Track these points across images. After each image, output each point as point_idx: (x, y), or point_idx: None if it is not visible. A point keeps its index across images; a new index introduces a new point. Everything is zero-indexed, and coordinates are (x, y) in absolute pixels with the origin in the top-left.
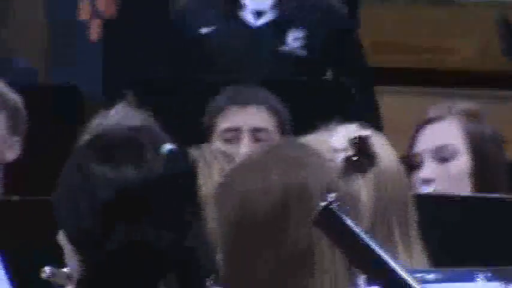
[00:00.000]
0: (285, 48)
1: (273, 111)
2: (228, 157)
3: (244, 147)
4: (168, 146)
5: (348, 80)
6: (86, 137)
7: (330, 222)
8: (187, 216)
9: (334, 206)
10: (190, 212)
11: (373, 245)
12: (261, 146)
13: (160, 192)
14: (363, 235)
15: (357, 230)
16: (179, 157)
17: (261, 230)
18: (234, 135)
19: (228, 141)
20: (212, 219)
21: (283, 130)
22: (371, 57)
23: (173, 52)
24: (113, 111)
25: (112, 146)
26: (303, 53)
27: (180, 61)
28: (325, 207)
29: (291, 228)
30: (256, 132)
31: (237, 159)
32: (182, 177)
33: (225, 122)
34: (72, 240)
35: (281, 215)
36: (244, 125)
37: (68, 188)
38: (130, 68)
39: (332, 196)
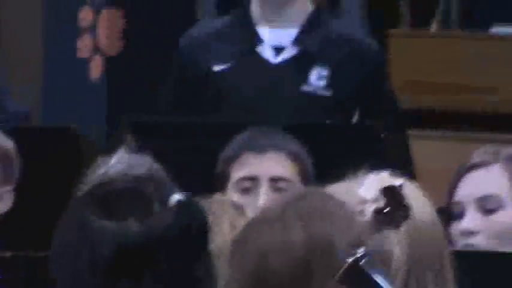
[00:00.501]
0: (308, 87)
1: (294, 157)
2: (239, 209)
3: (263, 198)
4: (176, 197)
5: (378, 124)
6: (84, 187)
7: (358, 280)
8: (198, 275)
9: (363, 262)
10: (201, 270)
11: None
12: (281, 197)
13: (168, 247)
14: None
15: None
16: (189, 209)
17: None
18: (250, 184)
19: (244, 191)
20: (225, 280)
21: (305, 179)
22: (402, 97)
23: (181, 91)
24: (114, 158)
25: (114, 198)
26: (328, 93)
27: (188, 101)
28: (353, 264)
29: (314, 285)
30: (275, 182)
31: (253, 212)
32: (192, 231)
33: (241, 170)
34: None
35: (303, 275)
36: (262, 173)
37: (65, 243)
38: (134, 108)
39: (361, 251)
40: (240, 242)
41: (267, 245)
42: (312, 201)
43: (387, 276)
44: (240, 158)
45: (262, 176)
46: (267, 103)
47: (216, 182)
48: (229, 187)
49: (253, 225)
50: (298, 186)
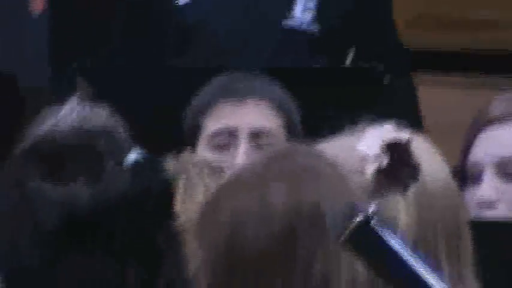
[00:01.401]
0: (291, 22)
1: (279, 107)
2: (217, 171)
3: (242, 156)
4: (134, 155)
5: (378, 66)
6: (25, 143)
7: (367, 242)
8: (160, 248)
9: (373, 221)
10: (164, 242)
11: (426, 272)
12: (260, 154)
13: (124, 216)
14: (412, 259)
15: (405, 252)
16: (149, 169)
17: (258, 264)
18: (227, 140)
19: (219, 148)
20: (194, 251)
21: (292, 133)
22: (407, 36)
23: (140, 30)
24: (65, 108)
25: (58, 156)
26: (315, 28)
27: (149, 42)
28: (362, 224)
29: (297, 261)
30: (256, 136)
31: (228, 173)
32: (153, 197)
33: (215, 122)
34: (8, 283)
35: (285, 247)
36: (241, 126)
37: (0, 210)
38: (84, 50)
39: (372, 208)
40: (210, 210)
41: (243, 212)
42: (297, 160)
43: (399, 238)
44: (213, 107)
45: (241, 129)
46: (243, 42)
47: (185, 137)
48: (200, 143)
49: (226, 189)
50: (282, 142)
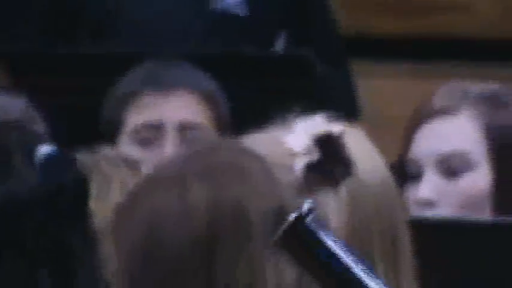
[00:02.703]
0: (218, 4)
1: (208, 98)
2: (135, 167)
3: (168, 151)
4: (45, 149)
5: (310, 53)
6: None
7: (302, 242)
8: (72, 250)
9: (309, 219)
10: (79, 242)
11: (365, 274)
12: (182, 150)
13: (35, 215)
14: (350, 260)
15: (343, 252)
16: (61, 164)
17: (176, 268)
18: (152, 133)
19: (143, 142)
20: (109, 254)
21: (221, 126)
22: (345, 20)
23: (54, 12)
24: None
25: None
26: (244, 10)
27: (64, 26)
28: (297, 222)
29: (219, 265)
30: (184, 129)
31: (147, 170)
32: (65, 194)
33: (139, 114)
34: None
35: (206, 248)
36: (168, 118)
37: None
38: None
39: (306, 205)
40: (125, 208)
41: (160, 211)
42: (220, 156)
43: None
44: (137, 98)
45: (167, 121)
46: (166, 26)
47: (105, 131)
48: (122, 138)
49: (143, 187)
50: (211, 136)
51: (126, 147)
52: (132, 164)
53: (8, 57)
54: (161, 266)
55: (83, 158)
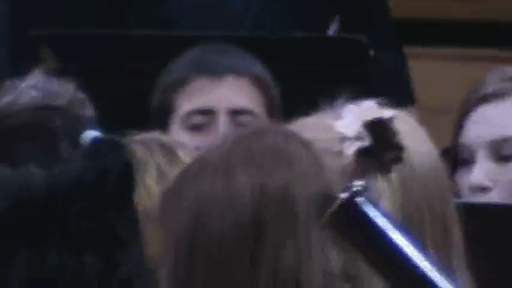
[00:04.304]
0: None
1: (260, 84)
2: (172, 151)
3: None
4: (91, 134)
5: (363, 36)
6: None
7: (353, 222)
8: (119, 238)
9: (360, 198)
10: (123, 229)
11: (419, 254)
12: (226, 136)
13: (79, 201)
14: (404, 240)
15: (396, 234)
16: (108, 150)
17: (222, 253)
18: (204, 119)
19: (195, 128)
20: (155, 240)
21: (272, 112)
22: (398, 4)
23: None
24: (27, 82)
25: (9, 136)
26: None
27: (115, 10)
28: (348, 201)
29: (265, 251)
30: (236, 115)
31: (191, 155)
32: (111, 180)
33: (190, 100)
34: None
35: (252, 235)
36: (220, 104)
37: None
38: (46, 20)
39: (359, 185)
40: (172, 192)
41: (206, 197)
42: (267, 141)
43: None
44: (188, 84)
45: (219, 107)
46: (217, 10)
47: (156, 117)
48: (174, 123)
49: (188, 172)
50: (262, 121)
51: (177, 133)
52: (169, 149)
53: (58, 41)
54: (207, 251)
55: (131, 144)
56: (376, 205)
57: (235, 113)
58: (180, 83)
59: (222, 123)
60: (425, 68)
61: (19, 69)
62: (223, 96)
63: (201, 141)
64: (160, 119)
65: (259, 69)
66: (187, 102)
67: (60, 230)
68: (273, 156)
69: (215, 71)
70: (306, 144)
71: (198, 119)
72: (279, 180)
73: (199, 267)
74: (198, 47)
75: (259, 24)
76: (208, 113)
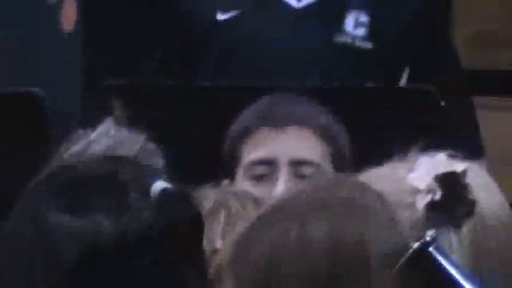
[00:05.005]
0: (342, 38)
1: (324, 134)
2: (250, 200)
3: (281, 188)
4: (160, 185)
5: (435, 87)
6: (45, 172)
7: (426, 270)
8: (188, 285)
9: (432, 247)
10: (190, 280)
11: None
12: (302, 185)
13: (148, 251)
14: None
15: (468, 285)
16: (177, 201)
17: None
18: (266, 170)
19: (257, 178)
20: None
21: (338, 163)
22: (467, 54)
23: (176, 48)
24: (99, 131)
25: (78, 186)
26: (369, 44)
27: (186, 61)
28: (420, 250)
29: None
30: (298, 166)
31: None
32: (179, 230)
33: (254, 151)
34: None
35: (326, 285)
36: (281, 155)
37: (15, 245)
38: (118, 69)
39: (431, 234)
40: (243, 245)
41: (279, 246)
42: (340, 192)
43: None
44: (253, 134)
45: (281, 158)
46: (289, 60)
47: (224, 166)
48: (238, 173)
49: (260, 223)
50: (327, 173)
51: (242, 182)
52: (258, 201)
53: (129, 91)
54: None
55: (196, 193)
56: (447, 255)
57: (296, 164)
58: (245, 134)
59: (283, 174)
60: (493, 118)
61: (90, 118)
62: (286, 147)
63: (262, 191)
64: (228, 169)
65: (324, 117)
66: (251, 153)
67: (130, 280)
68: (347, 207)
69: (279, 122)
70: (379, 196)
71: (260, 170)
72: (355, 233)
73: None
74: (267, 96)
75: (329, 73)
76: (271, 163)
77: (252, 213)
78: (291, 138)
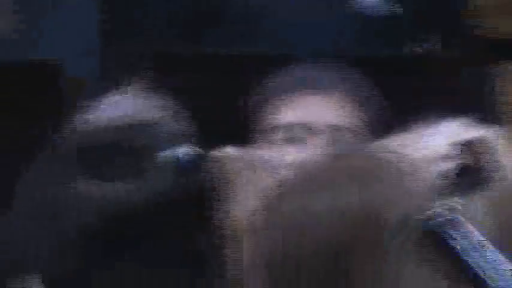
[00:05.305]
0: (368, 5)
1: (360, 101)
2: (274, 169)
3: (316, 154)
4: (182, 149)
5: (456, 53)
6: (62, 139)
7: (442, 241)
8: (200, 251)
9: (435, 222)
10: (206, 247)
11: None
12: (326, 153)
13: (166, 216)
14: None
15: (492, 251)
16: (192, 166)
17: (311, 274)
18: (302, 134)
19: (290, 141)
20: (238, 257)
21: (372, 128)
22: (489, 23)
23: (197, 13)
24: (112, 100)
25: (97, 152)
26: (397, 8)
27: (211, 28)
28: (444, 217)
29: (354, 269)
30: (335, 131)
31: (291, 171)
32: (194, 195)
33: (289, 114)
34: (51, 286)
35: (340, 253)
36: (319, 119)
37: (31, 211)
38: (137, 36)
39: (453, 203)
40: (266, 210)
41: (293, 214)
42: (356, 159)
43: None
44: (289, 99)
45: (318, 123)
46: (310, 28)
47: (250, 131)
48: (272, 137)
49: (281, 191)
50: (360, 139)
51: (277, 146)
52: (271, 166)
53: (151, 57)
54: (296, 271)
55: (215, 157)
56: (469, 224)
57: (332, 130)
58: (280, 98)
59: (319, 140)
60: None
61: (111, 83)
62: (323, 112)
63: (297, 156)
64: (259, 133)
65: (360, 85)
66: (286, 117)
67: (146, 245)
68: (363, 174)
69: (316, 86)
70: (398, 163)
71: (296, 133)
72: (370, 199)
73: (287, 284)
74: (305, 63)
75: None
76: (307, 127)
77: (280, 178)
78: (327, 104)
